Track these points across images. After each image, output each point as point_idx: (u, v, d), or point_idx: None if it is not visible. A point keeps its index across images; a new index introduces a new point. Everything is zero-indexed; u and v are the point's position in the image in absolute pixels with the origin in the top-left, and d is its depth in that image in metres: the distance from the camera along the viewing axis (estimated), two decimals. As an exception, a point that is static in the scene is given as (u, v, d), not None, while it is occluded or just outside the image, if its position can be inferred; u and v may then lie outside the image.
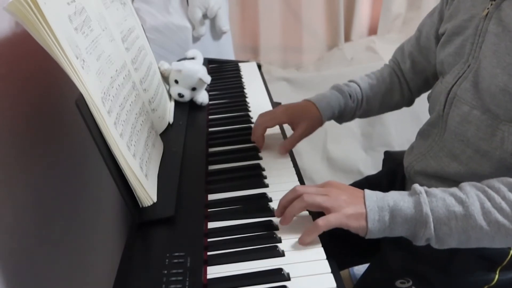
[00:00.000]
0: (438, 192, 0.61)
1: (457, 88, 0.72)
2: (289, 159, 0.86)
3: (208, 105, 1.10)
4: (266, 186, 0.77)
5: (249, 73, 1.35)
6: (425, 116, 0.84)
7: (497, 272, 0.73)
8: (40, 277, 0.61)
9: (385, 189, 0.64)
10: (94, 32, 0.66)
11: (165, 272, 0.56)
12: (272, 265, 0.59)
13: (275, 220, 0.67)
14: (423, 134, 0.83)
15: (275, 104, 1.14)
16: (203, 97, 1.05)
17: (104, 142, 0.58)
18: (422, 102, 0.99)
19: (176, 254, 0.59)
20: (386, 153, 1.12)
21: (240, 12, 2.37)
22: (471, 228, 0.58)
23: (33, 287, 0.60)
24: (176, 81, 1.01)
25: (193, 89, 1.02)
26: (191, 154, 0.84)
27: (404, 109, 1.03)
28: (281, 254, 0.61)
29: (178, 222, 0.65)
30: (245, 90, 1.22)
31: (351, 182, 1.03)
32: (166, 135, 0.89)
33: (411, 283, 0.75)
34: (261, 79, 1.31)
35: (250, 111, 1.08)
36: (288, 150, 0.86)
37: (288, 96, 2.02)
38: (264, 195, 0.74)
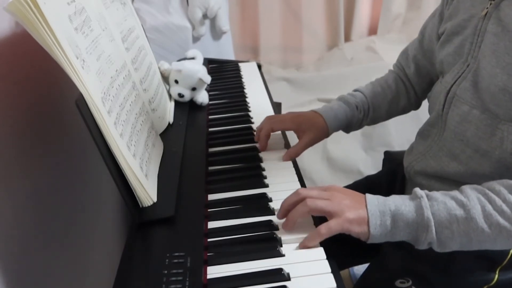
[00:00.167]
0: (439, 195, 0.61)
1: (456, 87, 0.72)
2: (289, 159, 0.86)
3: (208, 105, 1.10)
4: (266, 186, 0.77)
5: (249, 73, 1.35)
6: (425, 116, 0.84)
7: (497, 272, 0.73)
8: (40, 277, 0.61)
9: (385, 189, 0.64)
10: (94, 32, 0.66)
11: (165, 272, 0.56)
12: (272, 265, 0.59)
13: (275, 220, 0.66)
14: (422, 134, 0.83)
15: (275, 104, 1.14)
16: (203, 97, 1.05)
17: (104, 142, 0.58)
18: (422, 102, 0.99)
19: (176, 254, 0.59)
20: (386, 153, 1.12)
21: (240, 12, 2.37)
22: (473, 231, 0.58)
23: (33, 287, 0.60)
24: (176, 81, 1.01)
25: (193, 89, 1.02)
26: (191, 154, 0.84)
27: (405, 109, 1.03)
28: (281, 254, 0.60)
29: (178, 222, 0.65)
30: (245, 90, 1.22)
31: (351, 182, 1.03)
32: (166, 135, 0.89)
33: (411, 283, 0.75)
34: (261, 79, 1.31)
35: (250, 111, 1.08)
36: (292, 158, 0.86)
37: (288, 96, 2.02)
38: (264, 195, 0.74)
